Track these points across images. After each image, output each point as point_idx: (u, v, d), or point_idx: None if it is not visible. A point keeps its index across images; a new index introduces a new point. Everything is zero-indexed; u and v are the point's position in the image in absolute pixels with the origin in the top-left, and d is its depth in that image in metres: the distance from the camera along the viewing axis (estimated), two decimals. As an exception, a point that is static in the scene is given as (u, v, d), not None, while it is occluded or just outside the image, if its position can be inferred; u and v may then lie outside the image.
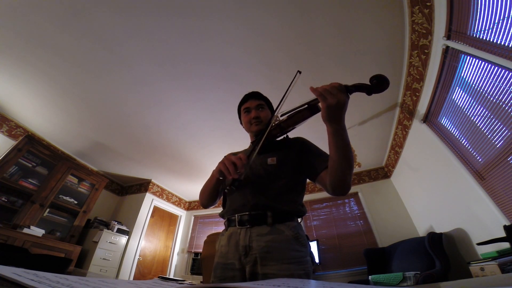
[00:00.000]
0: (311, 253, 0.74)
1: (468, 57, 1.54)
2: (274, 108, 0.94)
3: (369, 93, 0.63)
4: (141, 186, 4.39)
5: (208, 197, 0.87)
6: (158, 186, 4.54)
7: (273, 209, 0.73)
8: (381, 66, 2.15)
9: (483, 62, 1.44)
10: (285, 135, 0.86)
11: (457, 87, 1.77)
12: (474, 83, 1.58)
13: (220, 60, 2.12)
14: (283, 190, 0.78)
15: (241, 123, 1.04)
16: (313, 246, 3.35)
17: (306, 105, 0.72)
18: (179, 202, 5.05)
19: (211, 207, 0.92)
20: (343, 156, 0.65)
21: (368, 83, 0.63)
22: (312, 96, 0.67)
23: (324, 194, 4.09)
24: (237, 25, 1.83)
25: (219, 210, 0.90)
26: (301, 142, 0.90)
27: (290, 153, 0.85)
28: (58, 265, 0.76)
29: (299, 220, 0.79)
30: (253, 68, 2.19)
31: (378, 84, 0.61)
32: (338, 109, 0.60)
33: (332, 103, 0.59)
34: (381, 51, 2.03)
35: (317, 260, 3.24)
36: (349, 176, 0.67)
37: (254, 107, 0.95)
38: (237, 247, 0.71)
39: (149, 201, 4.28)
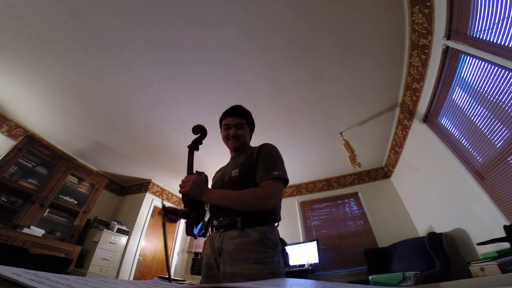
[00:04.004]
0: (284, 255, 0.81)
1: (468, 57, 1.54)
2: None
3: (200, 141, 0.98)
4: (141, 186, 4.39)
5: None
6: (158, 186, 4.54)
7: (242, 215, 0.80)
8: (381, 66, 2.15)
9: (483, 62, 1.44)
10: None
11: (457, 87, 1.77)
12: (474, 83, 1.59)
13: (220, 61, 2.11)
14: None
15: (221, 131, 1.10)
16: (313, 246, 3.34)
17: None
18: (179, 202, 5.05)
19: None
20: (233, 205, 0.80)
21: (195, 135, 0.98)
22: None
23: (324, 194, 4.10)
24: (237, 27, 1.83)
25: None
26: (260, 150, 0.93)
27: (249, 164, 0.91)
28: (58, 265, 0.76)
29: (275, 224, 0.86)
30: (253, 69, 2.19)
31: (196, 131, 0.98)
32: (193, 190, 0.81)
33: (186, 190, 0.81)
34: (381, 51, 2.03)
35: (317, 260, 3.23)
36: (255, 204, 0.78)
37: (234, 125, 1.01)
38: (214, 249, 0.81)
39: (149, 201, 4.28)
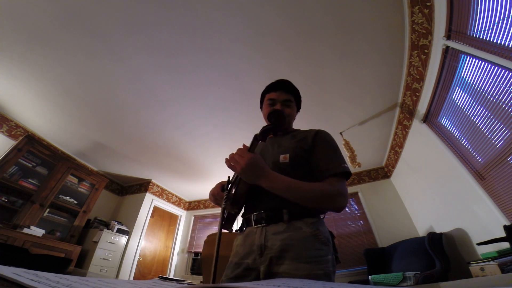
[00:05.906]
0: (334, 251, 0.70)
1: (468, 57, 1.54)
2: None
3: (275, 133, 0.78)
4: (141, 186, 4.39)
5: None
6: (158, 186, 4.54)
7: (289, 207, 0.68)
8: (381, 66, 2.15)
9: (483, 62, 1.44)
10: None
11: (457, 87, 1.77)
12: (474, 83, 1.59)
13: (219, 60, 2.11)
14: None
15: (261, 108, 0.96)
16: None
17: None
18: (179, 202, 5.05)
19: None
20: (299, 199, 0.65)
21: (269, 122, 0.76)
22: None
23: (324, 194, 4.09)
24: (238, 23, 1.83)
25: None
26: (317, 135, 0.80)
27: (302, 151, 0.76)
28: (58, 265, 0.76)
29: (321, 216, 0.74)
30: (253, 67, 2.19)
31: (275, 119, 0.74)
32: (247, 172, 0.65)
33: (237, 171, 0.66)
34: (381, 51, 2.03)
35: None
36: (327, 203, 0.65)
37: (281, 101, 0.86)
38: (252, 246, 0.68)
39: (149, 201, 4.28)
